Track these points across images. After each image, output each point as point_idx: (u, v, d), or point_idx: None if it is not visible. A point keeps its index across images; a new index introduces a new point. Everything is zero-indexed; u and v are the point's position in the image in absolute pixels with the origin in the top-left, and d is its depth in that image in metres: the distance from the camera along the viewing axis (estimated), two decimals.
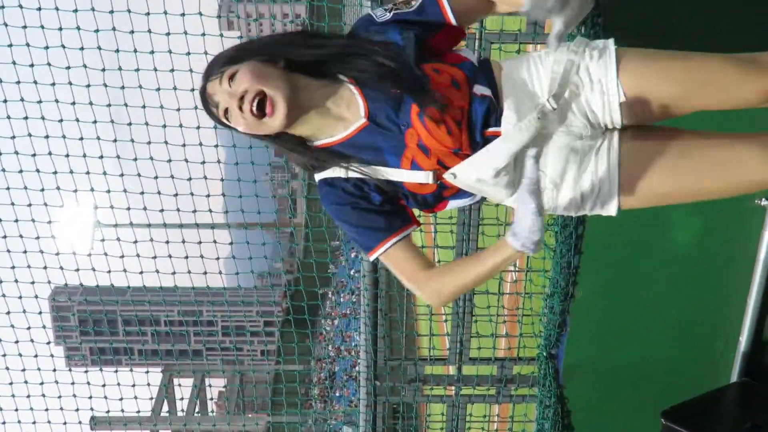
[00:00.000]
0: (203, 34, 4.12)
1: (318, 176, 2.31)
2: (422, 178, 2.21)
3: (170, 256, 4.64)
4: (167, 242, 4.74)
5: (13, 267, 4.80)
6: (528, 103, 2.20)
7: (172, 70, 4.21)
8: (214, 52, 3.86)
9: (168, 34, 4.07)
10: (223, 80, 2.09)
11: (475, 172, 2.20)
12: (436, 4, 2.20)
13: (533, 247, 2.06)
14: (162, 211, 4.57)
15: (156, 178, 4.45)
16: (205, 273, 4.73)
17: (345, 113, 2.19)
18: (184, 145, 4.37)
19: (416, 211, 2.34)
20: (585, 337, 4.30)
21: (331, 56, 2.17)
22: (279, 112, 2.07)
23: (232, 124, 2.14)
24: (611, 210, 2.28)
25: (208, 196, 4.31)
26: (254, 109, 2.07)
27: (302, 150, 2.24)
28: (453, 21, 2.21)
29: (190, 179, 4.39)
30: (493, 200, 2.45)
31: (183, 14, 4.09)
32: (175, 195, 4.45)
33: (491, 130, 2.19)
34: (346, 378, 33.11)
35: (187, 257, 4.75)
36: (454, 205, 2.39)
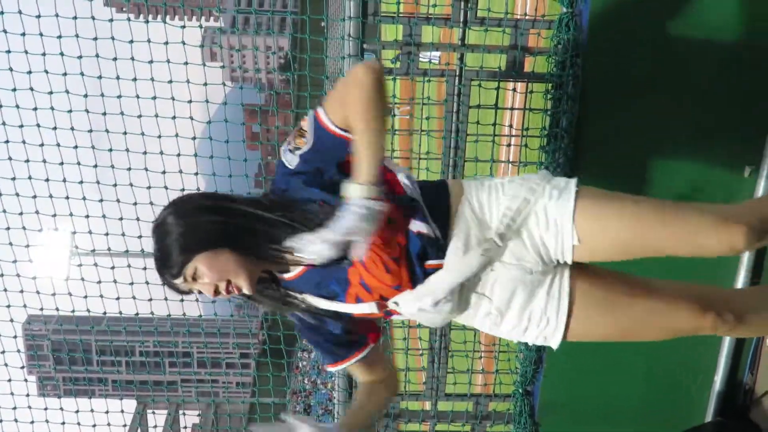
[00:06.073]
0: (186, 63, 4.14)
1: None
2: (367, 309, 2.33)
3: (147, 283, 4.62)
4: (145, 269, 4.72)
5: None
6: (478, 234, 2.27)
7: (153, 98, 4.22)
8: (196, 81, 3.90)
9: (151, 62, 4.09)
10: (187, 278, 2.21)
11: (417, 303, 2.30)
12: (323, 129, 2.17)
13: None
14: (140, 237, 4.56)
15: (135, 204, 4.44)
16: (182, 300, 4.71)
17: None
18: (164, 173, 4.37)
19: None
20: (561, 374, 4.29)
21: (266, 245, 2.22)
22: (245, 291, 2.22)
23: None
24: (553, 343, 2.42)
25: None
26: (226, 294, 2.22)
27: (274, 289, 2.38)
28: (345, 134, 2.16)
29: None
30: (430, 325, 2.70)
31: (166, 43, 4.11)
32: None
33: (431, 262, 2.26)
34: (322, 412, 32.92)
35: (164, 284, 4.71)
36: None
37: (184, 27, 4.05)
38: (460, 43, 3.84)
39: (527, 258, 2.29)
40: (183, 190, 4.39)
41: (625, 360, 4.20)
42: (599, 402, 4.36)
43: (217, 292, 2.21)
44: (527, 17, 3.85)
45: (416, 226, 2.23)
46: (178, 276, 2.20)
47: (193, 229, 2.18)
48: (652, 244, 2.31)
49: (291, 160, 2.22)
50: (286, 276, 2.34)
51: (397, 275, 2.24)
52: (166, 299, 4.71)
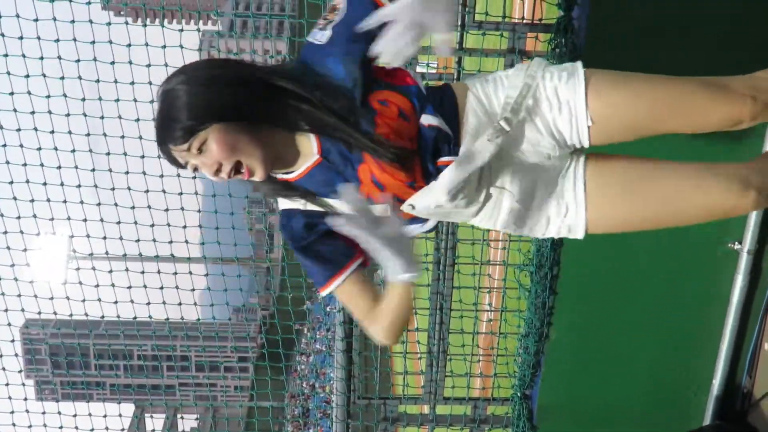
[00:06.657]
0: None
1: (281, 205, 2.30)
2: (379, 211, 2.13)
3: (145, 287, 4.62)
4: (143, 272, 4.72)
5: None
6: (488, 126, 2.20)
7: (152, 101, 4.21)
8: None
9: (149, 65, 4.08)
10: (192, 149, 2.04)
11: (432, 199, 2.19)
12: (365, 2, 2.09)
13: (409, 271, 2.04)
14: (138, 241, 4.56)
15: (133, 208, 4.44)
16: (180, 304, 4.71)
17: (302, 150, 2.15)
18: (161, 176, 4.37)
19: None
20: (559, 378, 4.29)
21: (285, 111, 2.09)
22: (257, 175, 2.07)
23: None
24: (578, 233, 2.31)
25: (184, 227, 4.30)
26: (232, 175, 2.07)
27: (267, 181, 2.20)
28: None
29: (167, 210, 4.38)
30: (458, 221, 2.49)
31: (164, 46, 4.11)
32: (152, 225, 4.45)
33: (444, 159, 2.18)
34: (320, 415, 32.86)
35: (162, 288, 4.73)
36: None
37: (182, 30, 4.04)
38: (458, 46, 3.85)
39: (543, 143, 2.22)
40: (181, 194, 4.41)
41: (624, 363, 4.20)
42: (597, 405, 4.36)
43: (218, 171, 2.05)
44: (525, 21, 3.85)
45: (427, 119, 2.15)
46: (182, 143, 2.02)
47: (208, 96, 2.02)
48: (665, 123, 2.26)
49: (321, 37, 2.12)
50: (290, 177, 2.21)
51: (411, 171, 2.15)
52: (164, 303, 4.71)
